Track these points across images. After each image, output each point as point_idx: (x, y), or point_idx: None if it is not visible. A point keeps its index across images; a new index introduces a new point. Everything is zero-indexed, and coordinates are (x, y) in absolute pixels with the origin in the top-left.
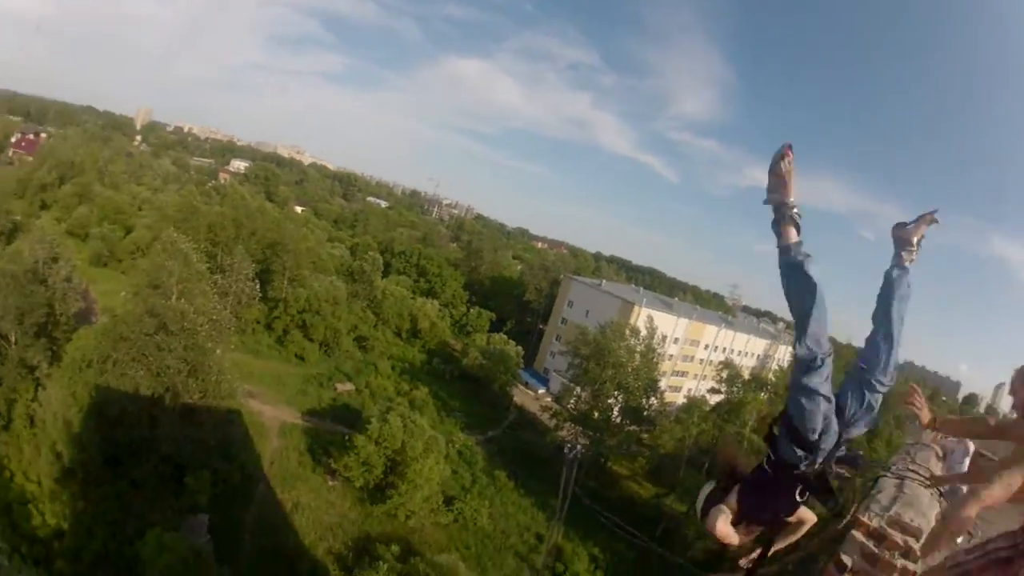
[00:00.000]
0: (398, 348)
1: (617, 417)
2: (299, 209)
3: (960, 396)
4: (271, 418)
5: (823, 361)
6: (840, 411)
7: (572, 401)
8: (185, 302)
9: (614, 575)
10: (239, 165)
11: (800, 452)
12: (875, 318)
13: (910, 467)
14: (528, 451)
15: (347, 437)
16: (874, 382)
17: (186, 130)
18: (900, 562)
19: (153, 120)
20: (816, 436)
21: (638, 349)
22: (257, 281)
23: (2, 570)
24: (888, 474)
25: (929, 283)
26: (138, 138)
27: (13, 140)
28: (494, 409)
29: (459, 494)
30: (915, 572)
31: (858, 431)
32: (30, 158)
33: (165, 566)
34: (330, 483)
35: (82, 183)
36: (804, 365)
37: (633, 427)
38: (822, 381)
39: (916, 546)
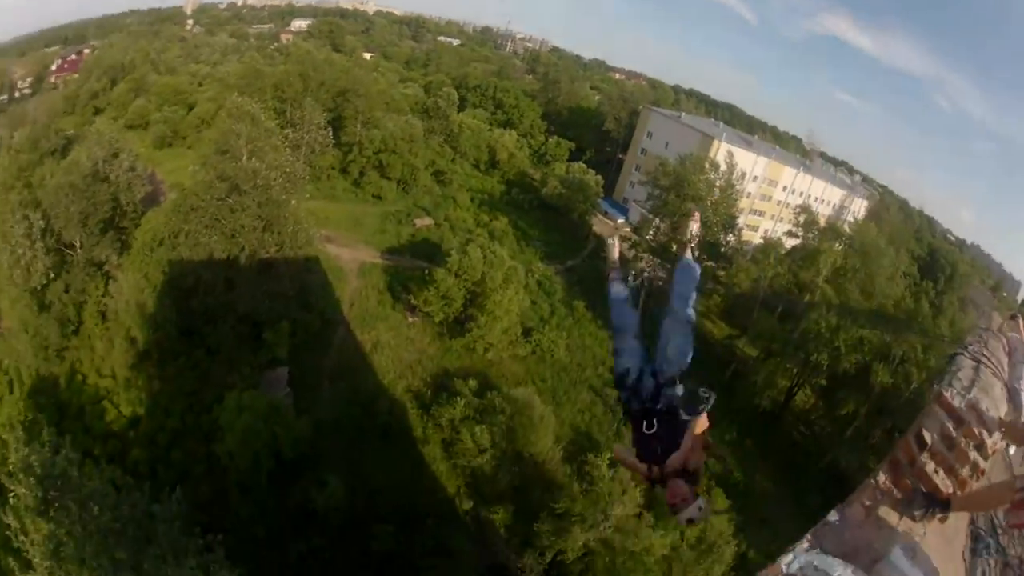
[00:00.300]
0: (476, 180)
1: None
2: (367, 56)
3: (1020, 297)
4: (349, 260)
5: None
6: (652, 359)
7: (651, 232)
8: (256, 161)
9: None
10: (300, 25)
11: (626, 394)
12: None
13: (984, 352)
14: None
15: (426, 272)
16: (677, 322)
17: (240, 3)
18: (973, 454)
19: (203, 3)
20: (632, 379)
21: (717, 184)
22: (329, 128)
23: (71, 482)
24: (965, 353)
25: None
26: (189, 23)
27: (54, 67)
28: (573, 239)
29: (537, 325)
30: (984, 470)
31: (671, 372)
32: (76, 75)
33: (243, 428)
34: (409, 320)
35: (135, 78)
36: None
37: (709, 263)
38: (625, 340)
39: (989, 441)
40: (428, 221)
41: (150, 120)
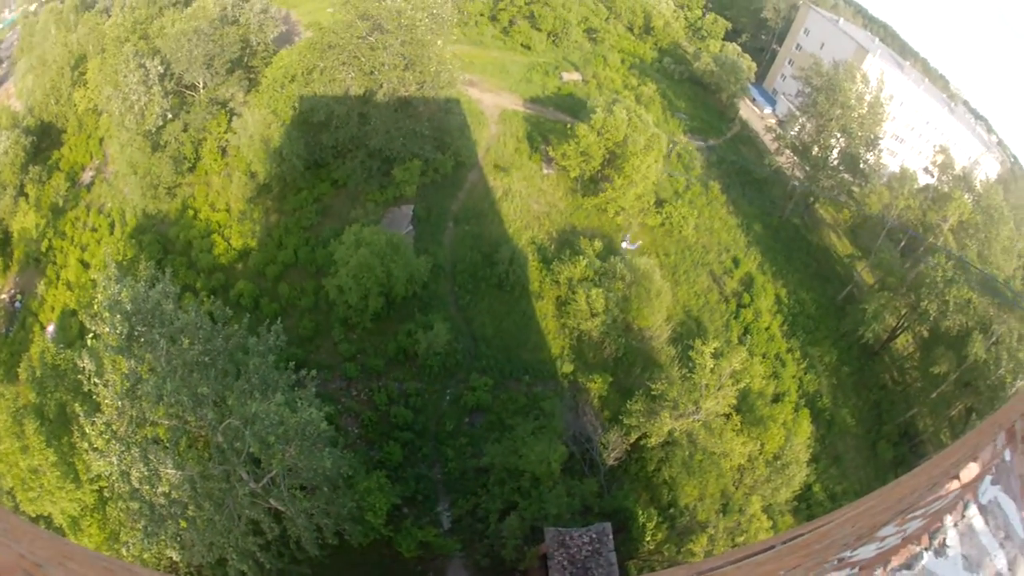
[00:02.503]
0: (629, 43)
1: (835, 160)
2: None
3: None
4: (491, 105)
5: None
6: None
7: (796, 129)
8: (402, 1)
9: (791, 326)
10: None
11: None
12: None
13: None
14: (745, 168)
15: (569, 126)
16: None
17: None
18: None
19: None
20: None
21: (867, 98)
22: None
23: (163, 316)
24: None
25: None
26: None
27: None
28: (719, 118)
29: (671, 198)
30: None
31: None
32: None
33: (358, 263)
34: (544, 172)
35: None
36: None
37: (847, 176)
38: None
39: None
40: (576, 76)
41: None
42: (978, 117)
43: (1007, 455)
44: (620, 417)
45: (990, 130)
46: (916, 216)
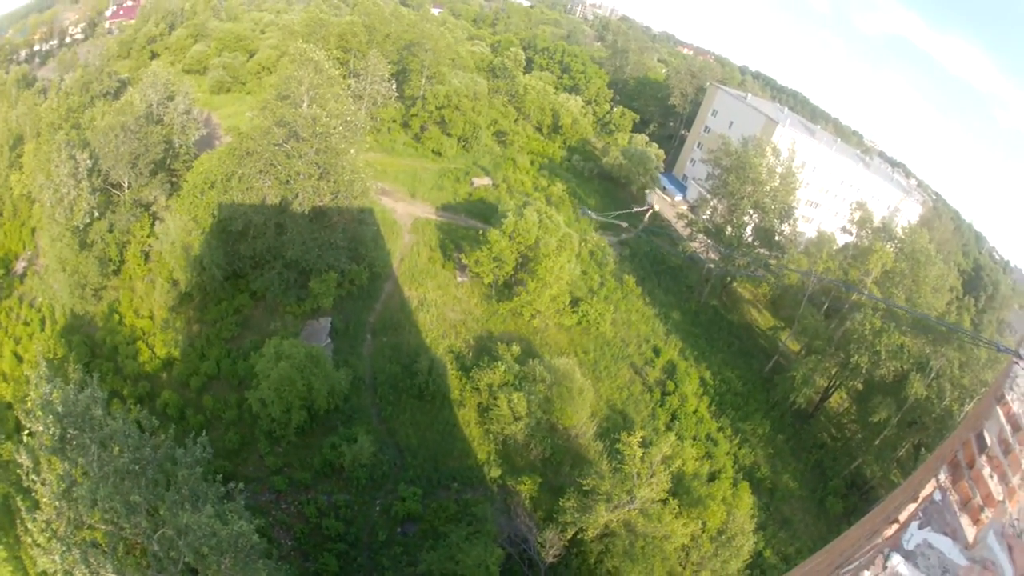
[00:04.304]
0: (538, 143)
1: (749, 237)
2: (435, 11)
3: None
4: (404, 214)
5: None
6: None
7: (707, 213)
8: (316, 108)
9: (719, 405)
10: None
11: None
12: None
13: None
14: (659, 258)
15: (481, 232)
16: None
17: None
18: None
19: None
20: None
21: (778, 170)
22: (393, 81)
23: (93, 421)
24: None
25: None
26: None
27: (108, 13)
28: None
29: (586, 296)
30: None
31: None
32: (131, 22)
33: (279, 377)
34: (458, 280)
35: (195, 24)
36: None
37: (763, 250)
38: None
39: None
40: (486, 181)
41: (208, 65)
42: (895, 164)
43: (937, 496)
44: (554, 515)
45: (908, 174)
46: (837, 276)
